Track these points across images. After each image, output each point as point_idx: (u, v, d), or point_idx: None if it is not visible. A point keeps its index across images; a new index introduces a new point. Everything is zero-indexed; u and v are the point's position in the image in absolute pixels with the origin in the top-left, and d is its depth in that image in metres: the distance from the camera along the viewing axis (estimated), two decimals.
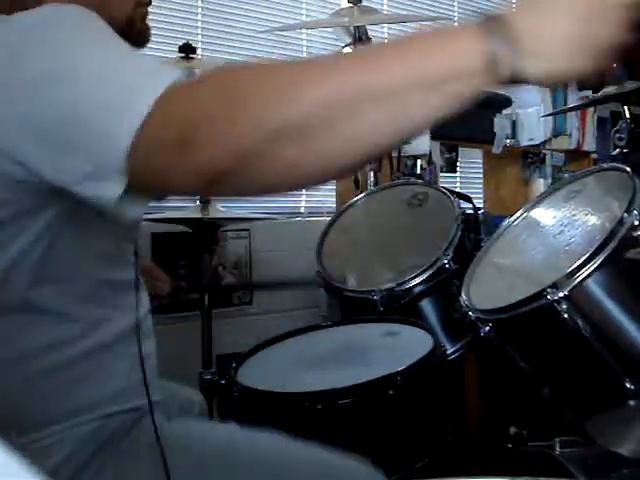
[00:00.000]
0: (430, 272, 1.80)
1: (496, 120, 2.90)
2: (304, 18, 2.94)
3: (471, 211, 2.06)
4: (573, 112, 3.19)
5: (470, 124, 2.82)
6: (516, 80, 0.63)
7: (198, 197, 1.90)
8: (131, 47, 0.78)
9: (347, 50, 2.40)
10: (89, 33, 0.77)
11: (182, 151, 0.63)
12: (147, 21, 1.06)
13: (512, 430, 1.65)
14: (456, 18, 3.51)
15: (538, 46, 0.62)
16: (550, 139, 3.17)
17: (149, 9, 1.05)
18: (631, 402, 1.32)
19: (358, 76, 0.64)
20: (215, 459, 0.98)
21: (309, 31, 2.93)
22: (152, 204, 0.79)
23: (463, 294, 1.62)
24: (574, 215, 1.61)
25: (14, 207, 0.82)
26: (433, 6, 3.43)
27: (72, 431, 0.91)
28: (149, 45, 1.07)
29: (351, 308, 1.90)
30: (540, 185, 3.31)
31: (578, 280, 1.38)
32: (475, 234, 1.95)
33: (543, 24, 0.63)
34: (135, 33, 1.03)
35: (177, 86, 0.66)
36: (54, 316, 0.90)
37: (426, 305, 1.84)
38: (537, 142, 3.12)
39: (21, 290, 0.87)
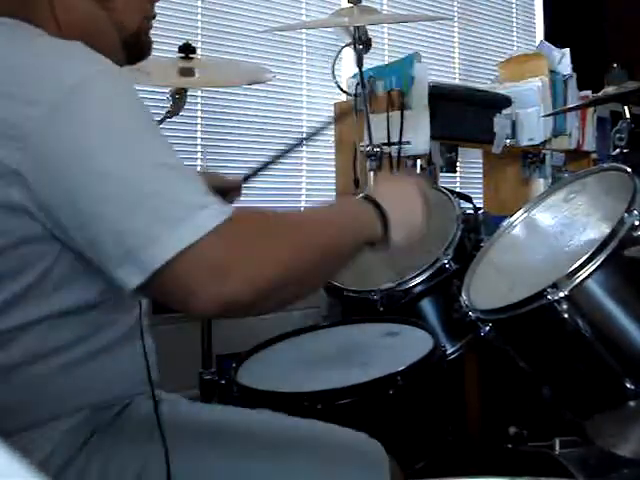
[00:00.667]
0: (430, 272, 1.80)
1: (496, 120, 2.89)
2: (304, 18, 2.94)
3: (471, 211, 2.06)
4: (573, 112, 3.19)
5: (470, 124, 2.82)
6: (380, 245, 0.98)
7: None
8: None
9: (347, 50, 2.40)
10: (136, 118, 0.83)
11: (214, 282, 0.76)
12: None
13: (512, 430, 1.65)
14: (455, 18, 3.51)
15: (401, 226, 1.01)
16: (550, 139, 3.17)
17: None
18: (631, 403, 1.32)
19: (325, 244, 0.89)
20: (211, 435, 0.98)
21: (309, 31, 2.93)
22: None
23: (463, 294, 1.62)
24: (574, 215, 1.61)
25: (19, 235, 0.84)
26: (433, 6, 3.42)
27: (54, 430, 0.90)
28: None
29: (351, 308, 1.90)
30: (540, 185, 3.30)
31: (578, 280, 1.38)
32: (475, 234, 1.95)
33: (395, 213, 1.00)
34: (140, 46, 1.05)
35: (225, 224, 0.77)
36: (55, 323, 0.90)
37: (426, 305, 1.84)
38: (537, 142, 3.11)
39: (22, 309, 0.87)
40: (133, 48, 1.04)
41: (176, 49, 1.94)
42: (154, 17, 1.06)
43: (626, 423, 1.21)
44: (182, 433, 0.96)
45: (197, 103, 2.59)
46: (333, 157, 2.88)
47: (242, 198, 2.63)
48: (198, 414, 1.04)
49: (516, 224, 1.76)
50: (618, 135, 1.87)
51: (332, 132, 2.89)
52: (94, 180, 0.77)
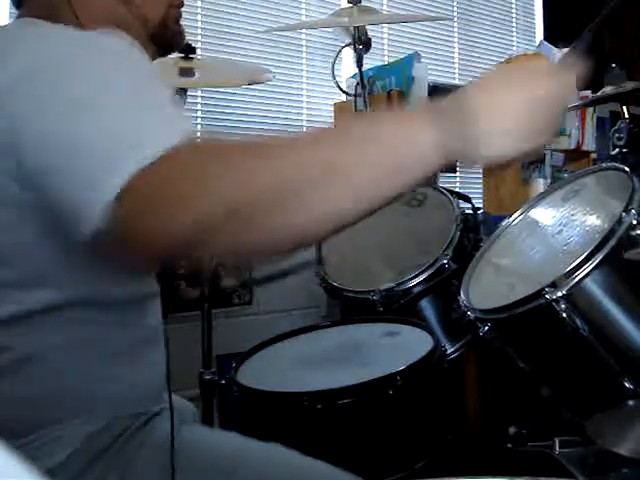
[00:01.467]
0: (429, 272, 1.80)
1: None
2: (304, 18, 2.94)
3: (470, 211, 2.07)
4: (572, 112, 3.19)
5: None
6: (466, 160, 0.69)
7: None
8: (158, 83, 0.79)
9: (347, 50, 2.40)
10: (119, 71, 0.77)
11: (150, 213, 0.66)
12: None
13: (512, 430, 1.65)
14: (455, 18, 3.51)
15: (491, 126, 0.67)
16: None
17: None
18: (630, 402, 1.32)
19: (321, 154, 0.68)
20: (220, 467, 0.98)
21: (309, 31, 2.93)
22: None
23: (462, 294, 1.62)
24: (573, 215, 1.62)
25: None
26: (432, 6, 3.43)
27: (78, 430, 0.92)
28: None
29: (351, 308, 1.90)
30: (539, 185, 3.30)
31: (577, 280, 1.38)
32: (474, 234, 1.95)
33: (495, 104, 0.68)
34: (169, 35, 1.04)
35: (160, 159, 0.66)
36: (75, 319, 0.91)
37: (425, 305, 1.84)
38: None
39: (42, 294, 0.88)
40: (162, 39, 1.02)
41: None
42: (182, 5, 1.05)
43: (625, 423, 1.21)
44: (197, 462, 0.97)
45: (197, 103, 2.59)
46: None
47: None
48: (214, 444, 1.04)
49: (515, 224, 1.76)
50: (617, 135, 1.88)
51: None
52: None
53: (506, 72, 0.73)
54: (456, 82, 3.42)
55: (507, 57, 3.43)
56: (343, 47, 2.41)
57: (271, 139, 0.73)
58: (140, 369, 0.99)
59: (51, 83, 0.76)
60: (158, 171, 0.66)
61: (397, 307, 1.78)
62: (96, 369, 0.94)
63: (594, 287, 1.40)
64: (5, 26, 1.01)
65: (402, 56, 2.81)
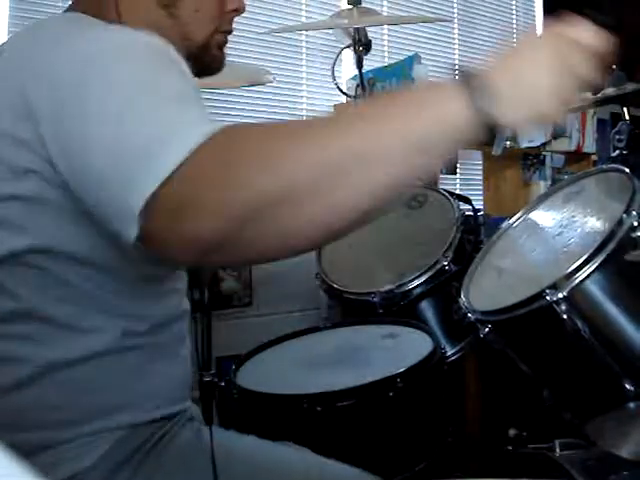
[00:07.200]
0: (430, 274, 1.80)
1: None
2: (304, 20, 2.94)
3: (471, 213, 2.06)
4: (573, 114, 3.19)
5: None
6: (495, 128, 0.70)
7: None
8: (191, 84, 0.78)
9: (347, 52, 2.40)
10: (150, 72, 0.76)
11: (178, 218, 0.65)
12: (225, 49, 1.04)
13: (512, 432, 1.65)
14: (455, 19, 3.51)
15: (516, 94, 0.68)
16: (550, 141, 3.17)
17: None
18: (631, 404, 1.32)
19: (344, 140, 0.65)
20: (241, 468, 0.98)
21: (309, 32, 2.93)
22: None
23: (462, 296, 1.62)
24: (573, 216, 1.62)
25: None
26: (432, 7, 3.43)
27: (102, 437, 0.91)
28: None
29: (351, 310, 1.90)
30: (540, 187, 3.30)
31: (577, 281, 1.38)
32: (475, 236, 1.95)
33: (517, 76, 0.68)
34: (208, 59, 1.01)
35: (196, 152, 0.65)
36: (90, 328, 0.91)
37: (426, 307, 1.84)
38: (537, 144, 3.11)
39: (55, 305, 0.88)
40: (199, 61, 0.99)
41: None
42: (230, 32, 1.03)
43: (626, 425, 1.21)
44: (220, 463, 0.97)
45: None
46: None
47: None
48: (234, 445, 1.05)
49: (516, 226, 1.76)
50: (617, 137, 1.88)
51: None
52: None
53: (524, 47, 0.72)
54: None
55: None
56: (343, 49, 2.40)
57: (295, 128, 0.70)
58: (170, 371, 1.00)
59: (79, 89, 0.76)
60: (183, 176, 0.65)
61: (397, 309, 1.78)
62: (118, 377, 0.94)
63: (595, 289, 1.39)
64: (52, 19, 1.02)
65: (402, 57, 2.81)
